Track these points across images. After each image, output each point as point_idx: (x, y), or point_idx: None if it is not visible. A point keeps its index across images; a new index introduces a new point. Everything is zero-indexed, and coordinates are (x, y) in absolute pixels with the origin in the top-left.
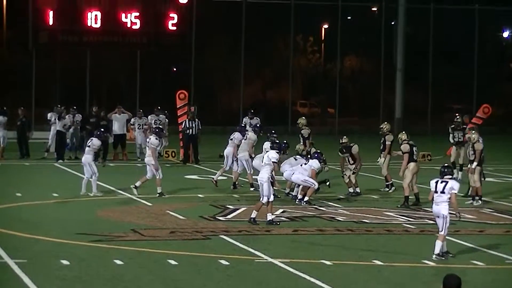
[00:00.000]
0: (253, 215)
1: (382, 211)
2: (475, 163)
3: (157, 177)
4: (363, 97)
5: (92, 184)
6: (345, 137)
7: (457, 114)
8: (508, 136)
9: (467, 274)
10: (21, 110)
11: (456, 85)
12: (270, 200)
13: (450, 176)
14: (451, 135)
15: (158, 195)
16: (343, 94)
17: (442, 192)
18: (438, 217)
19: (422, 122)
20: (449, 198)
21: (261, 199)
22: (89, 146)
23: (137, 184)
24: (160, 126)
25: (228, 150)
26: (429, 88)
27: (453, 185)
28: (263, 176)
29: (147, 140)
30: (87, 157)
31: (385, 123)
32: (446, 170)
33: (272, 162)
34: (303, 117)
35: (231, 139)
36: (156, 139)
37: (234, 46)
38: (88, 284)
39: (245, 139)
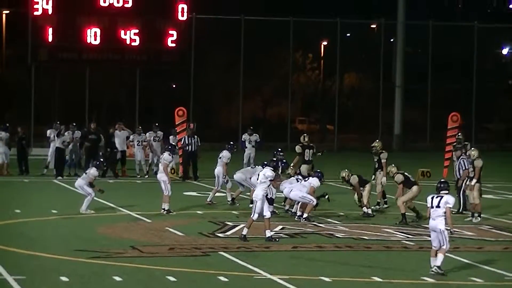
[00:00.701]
0: (243, 232)
1: (381, 228)
2: (474, 180)
3: (166, 194)
4: (362, 114)
5: (85, 202)
6: (346, 170)
7: (459, 132)
8: (508, 153)
9: None
10: (20, 127)
11: (455, 102)
12: (266, 217)
13: (446, 192)
14: (454, 153)
15: (165, 211)
16: (342, 111)
17: (438, 206)
18: (435, 231)
19: (421, 139)
20: (445, 212)
21: (252, 215)
22: (86, 173)
23: (165, 207)
24: (173, 143)
25: (218, 170)
26: (428, 105)
27: (448, 200)
28: (258, 194)
29: (160, 156)
30: (79, 182)
31: (377, 141)
32: (442, 185)
33: (269, 180)
34: (306, 135)
35: (220, 158)
36: (169, 155)
37: (233, 63)
38: None
39: (253, 167)
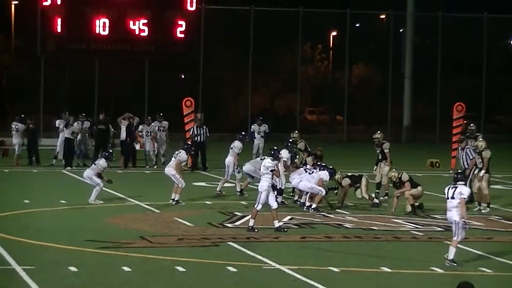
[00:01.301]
0: (250, 224)
1: (390, 218)
2: (483, 171)
3: (179, 185)
4: (371, 105)
5: (93, 192)
6: (339, 173)
7: (471, 123)
8: None
9: (475, 281)
10: (30, 118)
11: (464, 93)
12: (273, 207)
13: (463, 182)
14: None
15: (174, 202)
16: (351, 102)
17: (452, 197)
18: (451, 222)
19: (430, 130)
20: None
21: (256, 206)
22: (95, 164)
23: (176, 197)
24: (189, 143)
25: (229, 160)
26: (437, 96)
27: (462, 190)
28: (263, 185)
29: (176, 152)
30: (88, 172)
31: (378, 132)
32: (458, 176)
33: (271, 171)
34: (296, 131)
35: (231, 148)
36: (186, 154)
37: (242, 53)
38: None
39: (262, 158)
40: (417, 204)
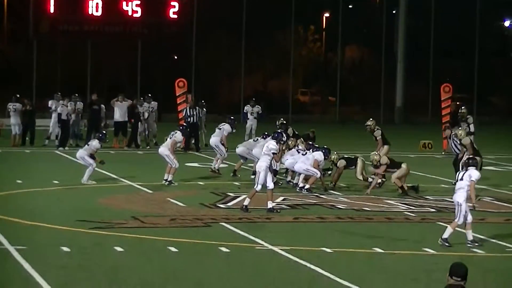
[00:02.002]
0: (245, 203)
1: (383, 199)
2: (466, 155)
3: (172, 166)
4: (364, 86)
5: (86, 173)
6: (335, 153)
7: (462, 106)
8: (511, 126)
9: (467, 262)
10: (26, 99)
11: (458, 75)
12: (269, 188)
13: (474, 167)
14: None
15: (167, 182)
16: (344, 83)
17: (461, 179)
18: (455, 204)
19: (422, 112)
20: (468, 186)
21: (255, 186)
22: (88, 145)
23: (169, 178)
24: (185, 124)
25: (213, 140)
26: (430, 78)
27: (471, 173)
28: (261, 165)
29: (171, 133)
30: (80, 152)
31: (370, 119)
32: (470, 161)
33: (272, 153)
34: (281, 119)
35: (219, 129)
36: (182, 135)
37: (235, 34)
38: (88, 271)
39: (255, 140)
40: (410, 185)
